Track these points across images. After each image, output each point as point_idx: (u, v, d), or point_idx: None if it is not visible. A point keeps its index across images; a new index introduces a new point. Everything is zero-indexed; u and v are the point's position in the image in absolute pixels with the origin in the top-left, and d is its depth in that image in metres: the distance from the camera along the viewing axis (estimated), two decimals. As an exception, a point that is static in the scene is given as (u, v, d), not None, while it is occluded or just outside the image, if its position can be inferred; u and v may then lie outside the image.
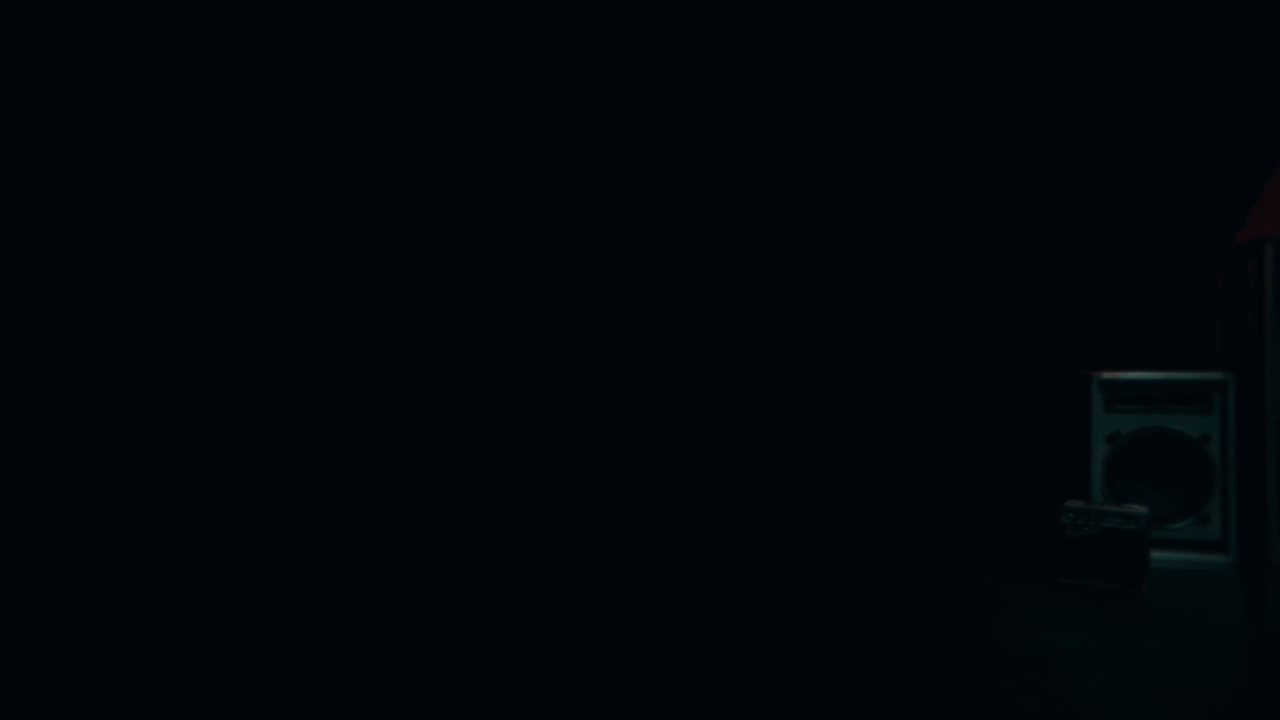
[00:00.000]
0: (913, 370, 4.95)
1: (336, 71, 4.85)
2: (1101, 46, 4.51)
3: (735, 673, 2.04)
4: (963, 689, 1.94)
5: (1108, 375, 3.25)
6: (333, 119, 4.88)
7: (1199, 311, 3.75)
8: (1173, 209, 4.20)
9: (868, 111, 4.96)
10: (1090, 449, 3.25)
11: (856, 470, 4.88)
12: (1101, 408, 3.25)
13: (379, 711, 1.85)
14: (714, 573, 2.94)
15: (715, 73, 4.83)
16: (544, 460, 4.80)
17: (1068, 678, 2.01)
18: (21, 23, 4.46)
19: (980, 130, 4.79)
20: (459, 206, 5.02)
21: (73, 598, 2.83)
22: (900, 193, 4.97)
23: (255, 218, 4.85)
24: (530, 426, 4.87)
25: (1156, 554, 3.04)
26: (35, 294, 4.32)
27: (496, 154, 5.00)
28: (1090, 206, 4.59)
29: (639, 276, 5.06)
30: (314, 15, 4.79)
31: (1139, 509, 2.77)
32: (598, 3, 4.73)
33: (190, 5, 4.70)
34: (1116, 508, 2.79)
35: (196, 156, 4.72)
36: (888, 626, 2.39)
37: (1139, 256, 4.37)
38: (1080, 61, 4.57)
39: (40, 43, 4.50)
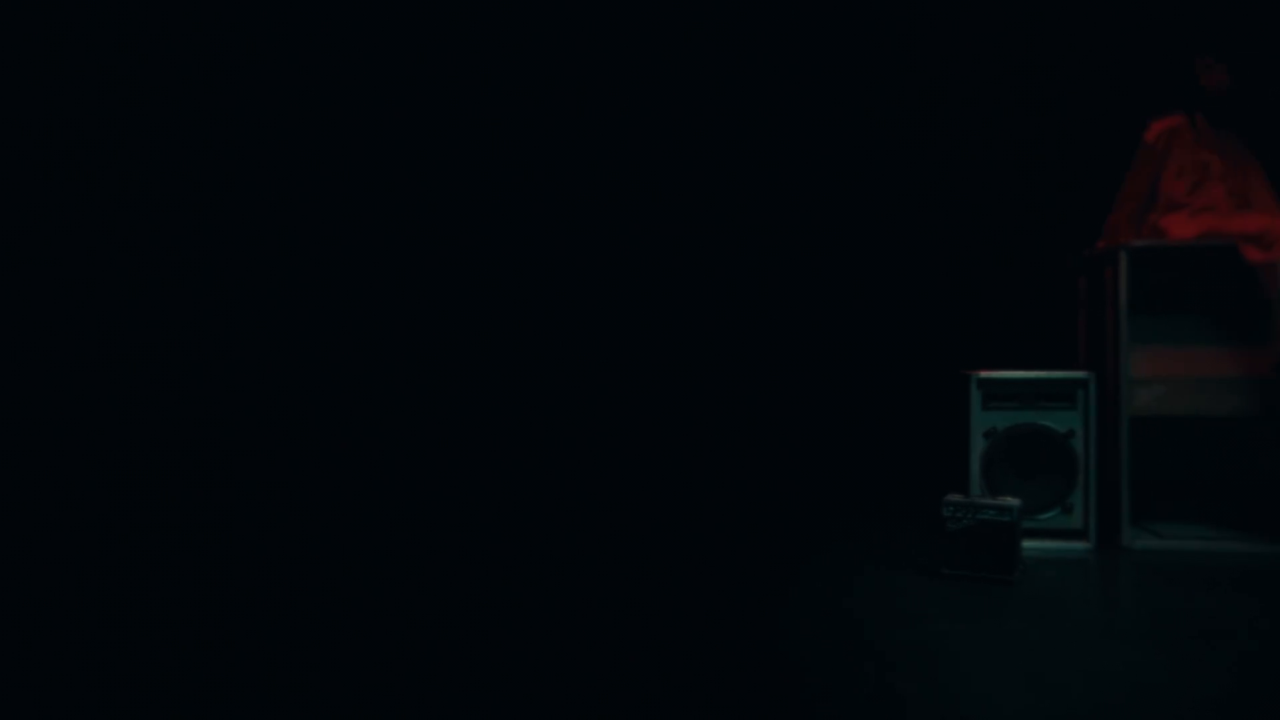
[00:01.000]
0: (801, 370, 5.13)
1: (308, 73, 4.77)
2: (975, 69, 4.77)
3: (618, 674, 2.12)
4: (845, 678, 2.06)
5: (985, 375, 3.46)
6: (310, 117, 4.77)
7: (1065, 314, 4.02)
8: (1042, 219, 4.49)
9: (758, 113, 5.11)
10: (969, 444, 3.46)
11: (744, 467, 5.04)
12: (979, 405, 3.46)
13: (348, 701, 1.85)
14: (592, 576, 3.01)
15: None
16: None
17: (945, 664, 2.16)
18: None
19: (867, 140, 5.00)
20: (407, 203, 4.97)
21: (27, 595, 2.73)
22: (794, 199, 5.14)
23: (225, 209, 4.72)
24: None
25: (1027, 543, 3.26)
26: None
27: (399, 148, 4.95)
28: (966, 217, 4.85)
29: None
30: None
31: (1012, 501, 2.97)
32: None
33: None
34: (992, 500, 2.99)
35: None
36: (772, 620, 2.51)
37: (1013, 264, 4.65)
38: (958, 81, 4.82)
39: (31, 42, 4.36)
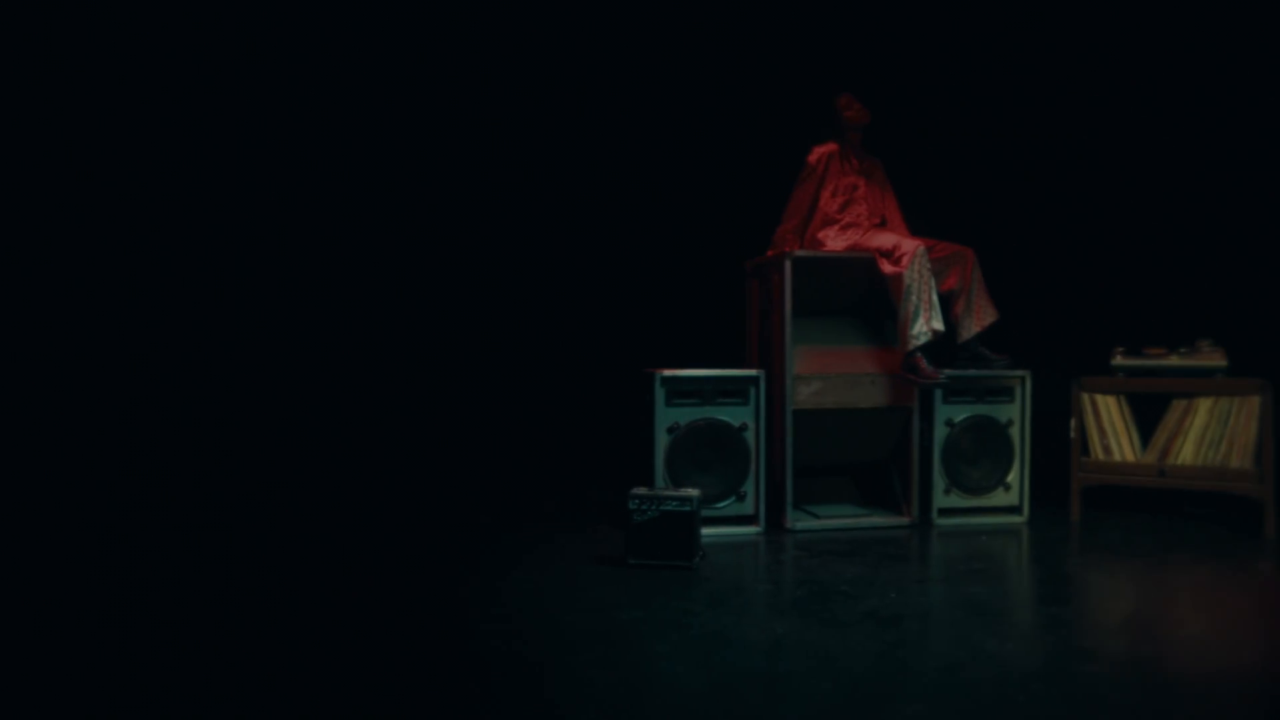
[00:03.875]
0: (495, 369, 5.14)
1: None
2: (656, 93, 5.04)
3: (316, 670, 2.00)
4: (539, 671, 2.08)
5: (668, 373, 3.65)
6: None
7: (741, 316, 4.36)
8: (722, 229, 4.83)
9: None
10: (655, 439, 3.63)
11: (435, 465, 4.96)
12: (664, 402, 3.64)
13: None
14: (291, 573, 2.82)
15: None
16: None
17: (633, 649, 2.24)
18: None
19: (561, 151, 5.11)
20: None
21: None
22: (489, 201, 5.12)
23: None
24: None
25: (707, 530, 3.49)
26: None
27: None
28: (653, 227, 5.11)
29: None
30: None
31: (692, 492, 3.16)
32: None
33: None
34: (675, 492, 3.16)
35: None
36: (464, 617, 2.48)
37: (696, 270, 4.97)
38: (632, 100, 5.06)
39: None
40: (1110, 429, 3.87)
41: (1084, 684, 2.02)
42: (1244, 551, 3.33)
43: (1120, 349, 3.94)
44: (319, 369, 4.93)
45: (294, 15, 4.73)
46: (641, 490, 3.16)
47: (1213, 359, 3.76)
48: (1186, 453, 3.73)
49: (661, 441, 3.63)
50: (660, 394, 3.64)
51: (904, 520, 3.80)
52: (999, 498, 3.88)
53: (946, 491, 3.83)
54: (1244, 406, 3.64)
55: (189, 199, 4.74)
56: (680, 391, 3.66)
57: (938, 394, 3.78)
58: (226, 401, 4.79)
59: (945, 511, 3.84)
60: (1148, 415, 3.84)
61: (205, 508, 4.04)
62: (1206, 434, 3.70)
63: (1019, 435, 3.87)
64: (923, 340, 3.58)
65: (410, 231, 5.05)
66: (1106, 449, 3.87)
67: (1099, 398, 3.89)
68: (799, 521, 3.75)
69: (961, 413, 3.83)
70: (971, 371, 3.80)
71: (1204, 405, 3.71)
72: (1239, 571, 3.06)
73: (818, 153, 3.97)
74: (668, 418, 3.65)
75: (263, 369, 4.86)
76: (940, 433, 3.81)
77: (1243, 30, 4.46)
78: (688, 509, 3.09)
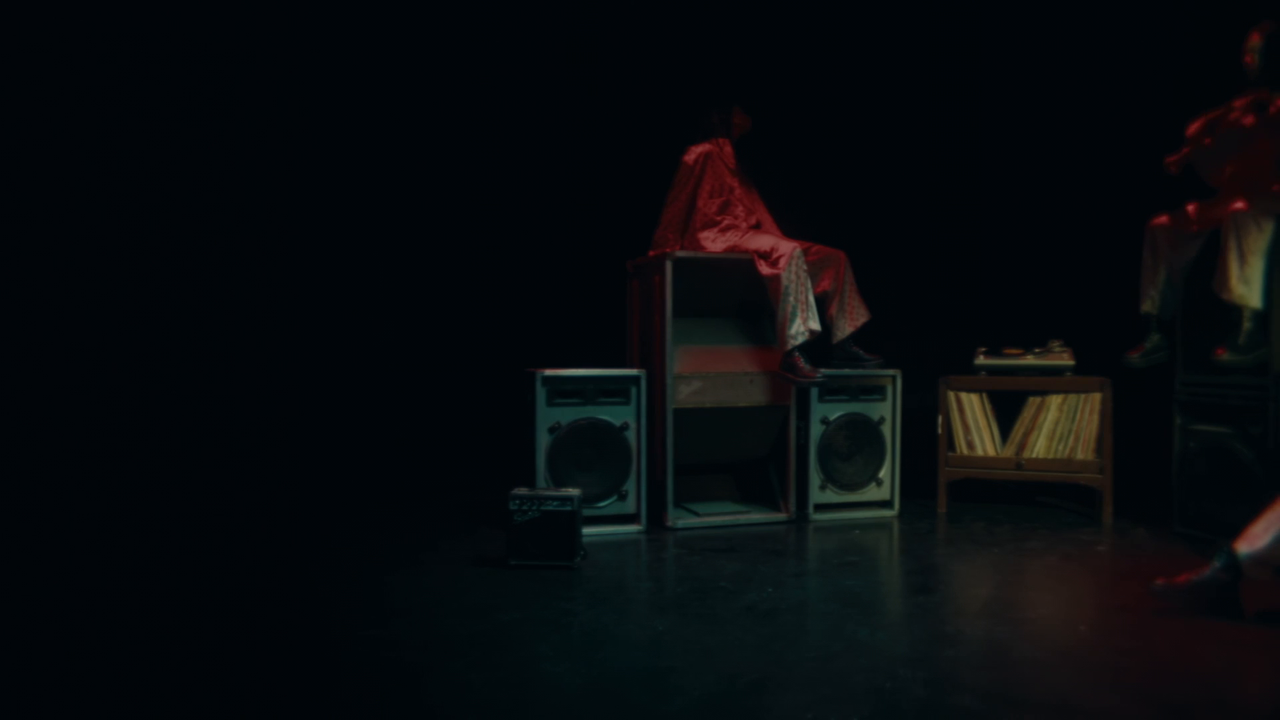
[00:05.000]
0: (375, 370, 5.01)
1: None
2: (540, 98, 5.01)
3: (182, 680, 1.90)
4: (418, 676, 2.04)
5: (550, 372, 3.63)
6: None
7: (623, 316, 4.38)
8: (604, 230, 4.84)
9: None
10: (536, 439, 3.61)
11: (311, 467, 4.80)
12: (545, 401, 3.63)
13: None
14: (160, 580, 2.68)
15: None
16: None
17: (514, 651, 2.22)
18: None
19: (444, 150, 5.01)
20: None
21: None
22: (370, 200, 4.99)
23: None
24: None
25: (588, 530, 3.49)
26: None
27: None
28: (534, 227, 5.08)
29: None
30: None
31: (573, 491, 3.15)
32: None
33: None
34: (555, 491, 3.15)
35: None
36: (341, 624, 2.41)
37: (578, 270, 4.96)
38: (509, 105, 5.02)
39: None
40: (974, 425, 4.07)
41: (946, 668, 2.12)
42: (1086, 537, 3.57)
43: (982, 349, 4.15)
44: (198, 371, 4.69)
45: None
46: (522, 490, 3.13)
47: (1062, 359, 4.00)
48: (1040, 446, 3.95)
49: (543, 441, 3.61)
50: (541, 394, 3.62)
51: (782, 516, 3.89)
52: (872, 493, 4.02)
53: (822, 488, 3.95)
54: (1089, 403, 3.89)
55: None
56: (562, 391, 3.65)
57: (814, 393, 3.90)
58: (75, 396, 4.50)
59: (821, 507, 3.96)
60: (1009, 412, 4.05)
61: (66, 507, 3.79)
62: (1057, 429, 3.93)
63: (890, 432, 4.02)
64: (800, 340, 3.68)
65: (283, 224, 4.86)
66: (970, 444, 4.07)
67: (963, 395, 4.08)
68: (680, 519, 3.79)
69: (836, 411, 3.95)
70: (846, 371, 3.93)
71: (1055, 402, 3.94)
72: (1081, 556, 3.27)
73: (695, 153, 4.01)
74: (549, 417, 3.63)
75: (135, 365, 4.59)
76: (816, 430, 3.92)
77: (1092, 69, 4.77)
78: (569, 508, 3.09)
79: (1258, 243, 3.23)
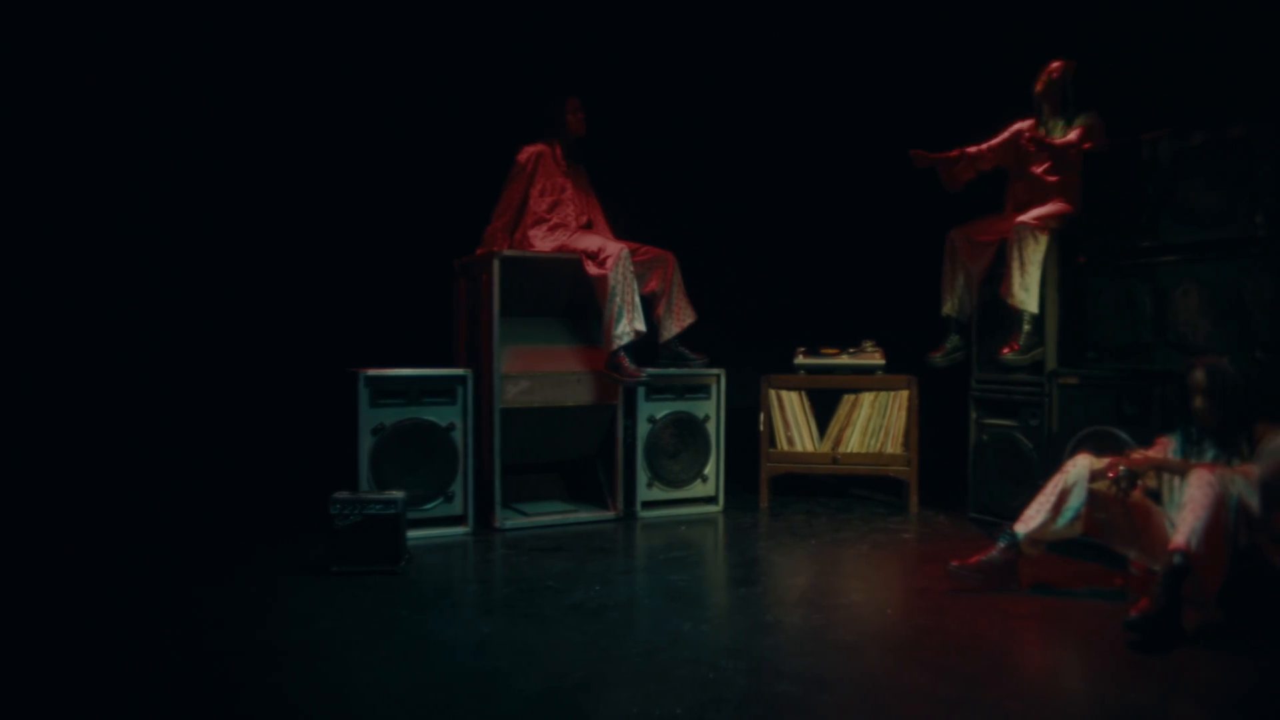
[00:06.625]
0: (190, 372, 4.68)
1: None
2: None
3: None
4: (234, 692, 1.93)
5: (372, 372, 3.52)
6: None
7: (449, 315, 4.29)
8: (430, 227, 4.72)
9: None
10: (359, 441, 3.48)
11: (121, 473, 4.43)
12: (368, 402, 3.51)
13: None
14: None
15: None
16: None
17: (336, 660, 2.14)
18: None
19: (263, 145, 4.75)
20: None
21: None
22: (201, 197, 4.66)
23: None
24: None
25: (414, 533, 3.40)
26: None
27: None
28: (358, 223, 4.89)
29: None
30: None
31: (397, 494, 3.07)
32: None
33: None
34: (379, 495, 3.05)
35: None
36: (151, 639, 2.24)
37: (403, 268, 4.81)
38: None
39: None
40: (794, 422, 4.25)
41: (767, 656, 2.21)
42: (894, 526, 3.81)
43: (802, 349, 4.35)
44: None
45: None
46: (344, 494, 3.02)
47: (874, 358, 4.25)
48: (854, 441, 4.18)
49: (366, 443, 3.49)
50: (364, 394, 3.50)
51: (610, 514, 3.93)
52: (697, 489, 4.13)
53: (649, 485, 4.02)
54: (897, 400, 4.15)
55: None
56: (386, 391, 3.54)
57: (640, 391, 3.96)
58: None
59: (648, 504, 4.03)
60: (826, 409, 4.26)
61: None
62: (869, 424, 4.18)
63: (715, 430, 4.14)
64: (626, 340, 3.73)
65: (87, 219, 4.45)
66: (790, 440, 4.25)
67: (784, 393, 4.26)
68: (508, 520, 3.76)
69: (663, 409, 4.03)
70: (672, 370, 4.02)
71: (867, 399, 4.19)
72: (889, 544, 3.49)
73: (528, 152, 4.00)
74: (372, 419, 3.52)
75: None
76: (643, 429, 3.99)
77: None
78: (392, 511, 3.00)
79: (1036, 253, 3.56)
